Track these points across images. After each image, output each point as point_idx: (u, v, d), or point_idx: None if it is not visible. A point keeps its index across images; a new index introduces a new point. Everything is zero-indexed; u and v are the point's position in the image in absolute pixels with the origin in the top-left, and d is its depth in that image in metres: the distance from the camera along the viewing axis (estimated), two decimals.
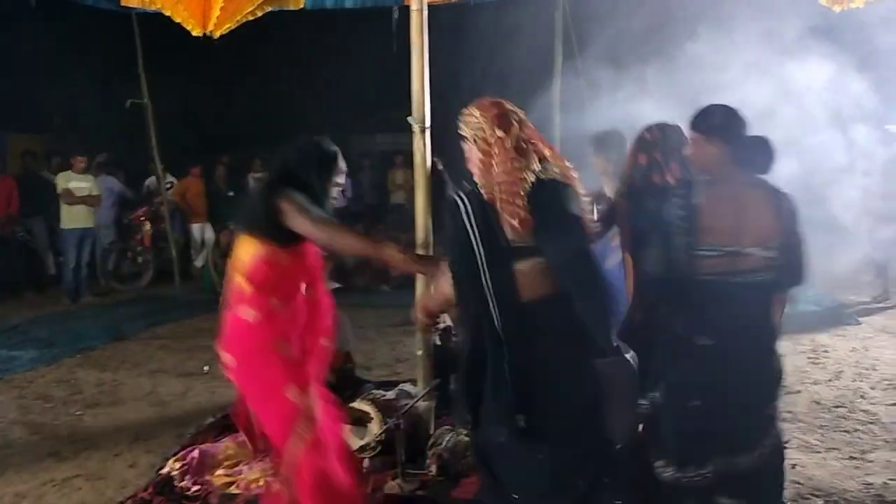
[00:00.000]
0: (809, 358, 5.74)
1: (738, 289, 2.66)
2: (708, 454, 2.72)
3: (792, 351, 5.89)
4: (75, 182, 8.55)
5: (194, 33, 5.21)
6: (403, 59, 3.57)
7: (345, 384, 4.29)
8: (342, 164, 3.01)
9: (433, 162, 3.62)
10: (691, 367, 2.73)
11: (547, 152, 2.34)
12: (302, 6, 5.81)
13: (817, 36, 5.30)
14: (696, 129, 2.80)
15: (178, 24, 5.31)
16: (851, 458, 3.91)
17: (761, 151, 2.75)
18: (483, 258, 2.21)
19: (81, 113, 11.85)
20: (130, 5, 6.09)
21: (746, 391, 2.71)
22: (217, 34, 5.27)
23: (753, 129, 2.79)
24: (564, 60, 6.78)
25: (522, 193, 2.21)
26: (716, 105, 2.80)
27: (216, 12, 5.06)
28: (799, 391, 4.94)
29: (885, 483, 3.60)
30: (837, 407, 4.65)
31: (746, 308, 2.68)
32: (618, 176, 3.60)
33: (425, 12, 3.48)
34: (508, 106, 2.35)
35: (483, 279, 2.21)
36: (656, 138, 3.23)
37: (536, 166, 2.26)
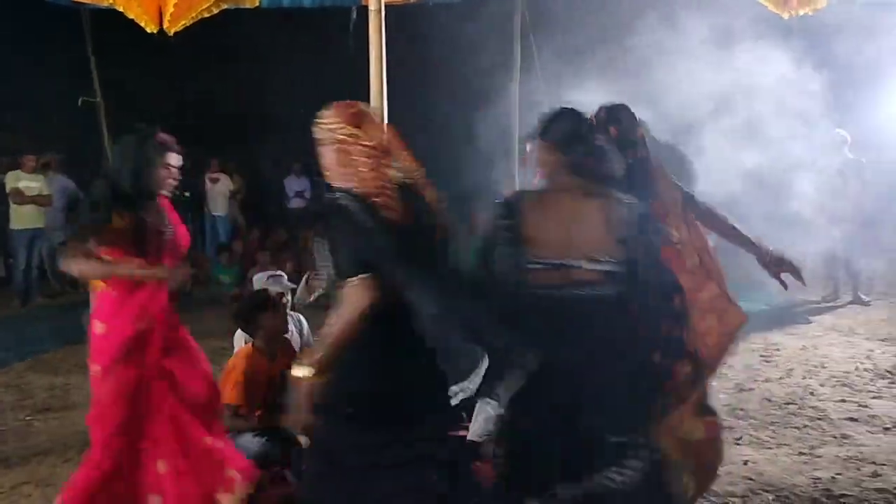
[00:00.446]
0: (761, 356, 5.88)
1: (572, 303, 2.46)
2: (546, 481, 2.46)
3: (744, 349, 6.01)
4: (25, 181, 8.34)
5: (148, 30, 5.10)
6: (363, 59, 3.56)
7: None
8: (160, 148, 3.03)
9: None
10: (522, 387, 2.46)
11: (403, 155, 2.41)
12: (258, 4, 5.73)
13: (774, 38, 5.42)
14: (539, 135, 2.67)
15: (132, 20, 5.21)
16: (801, 453, 4.01)
17: (602, 162, 2.58)
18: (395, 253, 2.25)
19: (31, 111, 11.56)
20: (82, 1, 5.96)
21: (588, 413, 2.43)
22: (171, 31, 5.18)
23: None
24: (523, 60, 6.82)
25: (391, 188, 2.30)
26: (561, 110, 2.67)
27: (170, 9, 4.96)
28: (751, 389, 5.05)
29: (833, 478, 3.70)
30: (788, 404, 4.76)
31: (582, 324, 2.45)
32: None
33: (383, 13, 3.48)
34: (364, 107, 2.42)
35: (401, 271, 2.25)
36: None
37: (400, 165, 2.37)
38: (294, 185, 11.44)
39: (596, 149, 2.60)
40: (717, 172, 3.84)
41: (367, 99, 3.52)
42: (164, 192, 3.10)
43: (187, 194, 10.00)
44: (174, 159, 3.07)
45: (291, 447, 3.67)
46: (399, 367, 2.35)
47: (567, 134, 2.59)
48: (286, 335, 4.02)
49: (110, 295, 2.97)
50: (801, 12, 5.00)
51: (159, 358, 3.01)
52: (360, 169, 2.30)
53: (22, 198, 8.29)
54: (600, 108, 3.03)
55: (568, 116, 2.63)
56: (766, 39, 5.32)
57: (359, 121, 2.35)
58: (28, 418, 4.76)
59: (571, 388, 2.42)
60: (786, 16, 5.03)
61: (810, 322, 7.01)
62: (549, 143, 2.61)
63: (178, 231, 3.18)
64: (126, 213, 2.92)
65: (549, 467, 2.44)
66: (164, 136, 3.06)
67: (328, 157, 2.37)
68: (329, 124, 2.36)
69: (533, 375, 2.39)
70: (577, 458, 2.44)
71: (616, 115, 3.02)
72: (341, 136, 2.33)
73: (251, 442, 3.59)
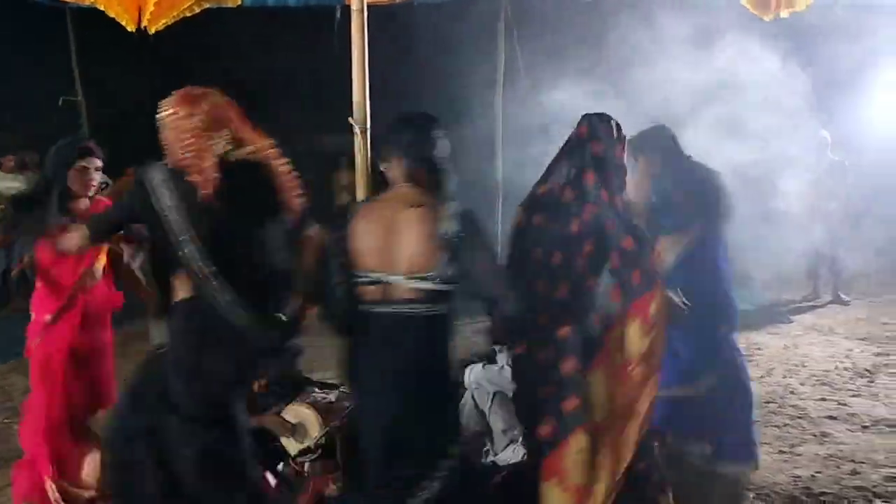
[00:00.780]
0: (743, 355, 5.90)
1: (390, 321, 2.40)
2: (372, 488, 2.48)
3: None
4: (5, 182, 8.24)
5: (129, 28, 5.06)
6: (347, 59, 3.54)
7: (289, 385, 4.24)
8: (82, 150, 3.33)
9: (374, 163, 3.61)
10: (359, 403, 2.58)
11: (247, 135, 2.62)
12: (240, 3, 5.70)
13: (756, 40, 5.46)
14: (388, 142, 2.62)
15: (113, 18, 5.16)
16: (781, 451, 4.05)
17: (433, 170, 2.48)
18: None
19: (11, 110, 11.43)
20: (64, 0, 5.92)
21: (402, 444, 2.42)
22: (152, 29, 5.13)
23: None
24: (507, 59, 6.83)
25: (210, 164, 2.51)
26: (406, 116, 2.58)
27: (150, 7, 4.93)
28: None
29: (813, 476, 3.74)
30: (768, 403, 4.80)
31: (397, 343, 2.39)
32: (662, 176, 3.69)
33: (365, 12, 3.47)
34: (199, 91, 2.61)
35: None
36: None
37: (226, 145, 2.58)
38: None
39: (436, 157, 2.49)
40: None
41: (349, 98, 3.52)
42: (85, 195, 3.34)
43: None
44: (93, 164, 3.34)
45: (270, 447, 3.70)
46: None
47: (403, 140, 2.50)
48: None
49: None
50: (783, 14, 5.03)
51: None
52: (179, 146, 2.53)
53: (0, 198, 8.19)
54: (583, 119, 2.85)
55: (409, 123, 2.54)
56: (747, 41, 5.37)
57: (187, 102, 2.57)
58: (7, 421, 4.71)
59: (384, 404, 2.42)
60: (767, 18, 5.07)
61: (791, 322, 7.06)
62: (391, 150, 2.54)
63: None
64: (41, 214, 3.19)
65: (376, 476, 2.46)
66: (88, 143, 3.41)
67: (162, 138, 2.61)
68: (161, 108, 2.60)
69: (360, 388, 2.51)
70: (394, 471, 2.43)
71: (595, 132, 2.79)
72: (165, 117, 2.58)
73: None
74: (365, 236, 2.42)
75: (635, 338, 2.55)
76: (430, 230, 2.35)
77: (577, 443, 2.50)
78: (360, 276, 2.42)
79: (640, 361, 2.53)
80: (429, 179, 2.49)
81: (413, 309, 2.37)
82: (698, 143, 3.99)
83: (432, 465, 2.42)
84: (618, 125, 2.82)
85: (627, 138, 2.91)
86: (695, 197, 3.63)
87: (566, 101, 4.92)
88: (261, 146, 2.65)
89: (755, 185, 7.07)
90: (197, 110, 2.54)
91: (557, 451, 2.52)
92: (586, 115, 2.83)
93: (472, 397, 3.98)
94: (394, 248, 2.38)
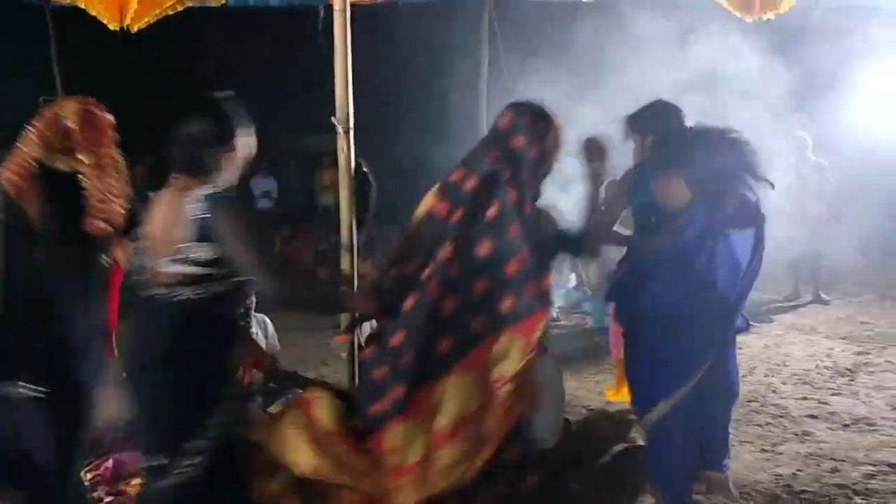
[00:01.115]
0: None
1: (151, 306, 2.43)
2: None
3: None
4: None
5: (111, 27, 5.02)
6: (331, 59, 3.53)
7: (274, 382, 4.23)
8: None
9: (357, 163, 3.59)
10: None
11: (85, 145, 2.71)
12: (223, 2, 5.68)
13: (737, 40, 5.50)
14: None
15: (95, 17, 5.12)
16: (763, 450, 4.08)
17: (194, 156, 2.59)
18: None
19: None
20: None
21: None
22: (135, 28, 5.09)
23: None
24: (491, 59, 6.84)
25: (25, 180, 2.56)
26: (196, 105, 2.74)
27: (133, 5, 4.89)
28: None
29: (794, 474, 3.77)
30: (750, 401, 4.83)
31: (159, 327, 2.42)
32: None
33: (348, 12, 3.45)
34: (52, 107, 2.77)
35: None
36: None
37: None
38: (261, 185, 11.34)
39: (194, 147, 2.59)
40: None
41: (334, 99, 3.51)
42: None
43: (151, 194, 9.84)
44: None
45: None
46: None
47: (181, 134, 2.64)
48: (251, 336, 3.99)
49: None
50: (765, 17, 5.07)
51: None
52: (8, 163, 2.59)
53: None
54: (508, 107, 2.71)
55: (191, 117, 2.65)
56: (729, 41, 5.41)
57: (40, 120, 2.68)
58: None
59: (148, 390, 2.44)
60: (749, 19, 5.10)
61: (772, 321, 7.11)
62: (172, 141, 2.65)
63: None
64: None
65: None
66: None
67: None
68: None
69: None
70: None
71: (518, 124, 2.63)
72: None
73: None
74: (147, 226, 2.53)
75: (515, 355, 2.41)
76: (189, 214, 2.38)
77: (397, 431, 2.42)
78: (146, 264, 2.48)
79: (510, 380, 2.39)
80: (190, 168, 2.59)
81: (174, 293, 2.38)
82: None
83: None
84: (546, 118, 2.63)
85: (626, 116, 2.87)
86: (695, 186, 3.21)
87: (549, 100, 4.96)
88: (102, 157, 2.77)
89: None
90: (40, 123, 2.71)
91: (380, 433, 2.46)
92: (513, 103, 2.68)
93: None
94: (159, 234, 2.45)
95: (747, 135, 3.23)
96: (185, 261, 2.36)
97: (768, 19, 5.08)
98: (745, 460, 3.92)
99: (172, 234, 2.38)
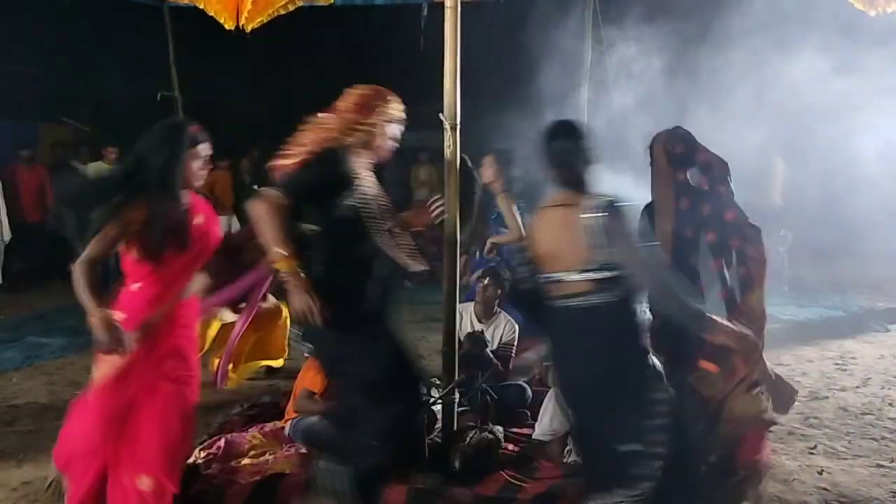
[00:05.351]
0: (836, 364, 5.69)
1: (575, 313, 2.63)
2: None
3: (819, 357, 5.85)
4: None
5: (227, 26, 5.23)
6: (429, 55, 3.57)
7: None
8: (195, 136, 2.87)
9: (462, 159, 3.62)
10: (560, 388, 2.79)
11: None
12: (332, 2, 5.83)
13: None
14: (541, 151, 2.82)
15: (210, 16, 5.34)
16: (879, 465, 3.87)
17: (579, 172, 2.71)
18: None
19: (111, 105, 11.99)
20: None
21: (595, 421, 2.67)
22: (249, 27, 5.29)
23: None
24: (594, 60, 6.73)
25: None
26: (553, 124, 2.79)
27: (248, 6, 5.08)
28: (826, 397, 4.90)
29: None
30: (865, 414, 4.60)
31: (583, 333, 2.64)
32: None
33: (459, 9, 3.48)
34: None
35: None
36: None
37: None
38: None
39: (582, 161, 2.70)
40: None
41: (432, 95, 3.55)
42: (193, 187, 2.92)
43: (256, 187, 10.21)
44: (204, 150, 2.92)
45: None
46: None
47: (551, 151, 2.74)
48: None
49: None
50: (889, 10, 4.78)
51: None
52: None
53: None
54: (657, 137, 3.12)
55: (557, 131, 2.76)
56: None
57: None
58: None
59: (576, 394, 2.68)
60: (872, 13, 4.83)
61: (888, 330, 6.74)
62: (545, 159, 2.76)
63: (207, 230, 2.97)
64: (142, 204, 2.72)
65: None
66: (195, 127, 2.91)
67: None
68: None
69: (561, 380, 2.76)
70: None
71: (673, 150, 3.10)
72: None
73: (317, 424, 3.74)
74: (539, 241, 2.72)
75: None
76: (584, 225, 2.58)
77: None
78: (545, 276, 2.69)
79: None
80: (577, 181, 2.72)
81: (593, 299, 2.60)
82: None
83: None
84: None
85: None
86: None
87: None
88: None
89: (839, 190, 6.82)
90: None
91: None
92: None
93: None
94: (561, 247, 2.65)
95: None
96: (590, 269, 2.58)
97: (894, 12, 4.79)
98: (859, 475, 3.74)
99: (575, 245, 2.59)
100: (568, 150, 2.72)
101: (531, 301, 2.80)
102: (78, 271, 2.64)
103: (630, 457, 2.57)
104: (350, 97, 2.95)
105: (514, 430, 4.05)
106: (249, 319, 4.09)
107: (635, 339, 2.66)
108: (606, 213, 2.56)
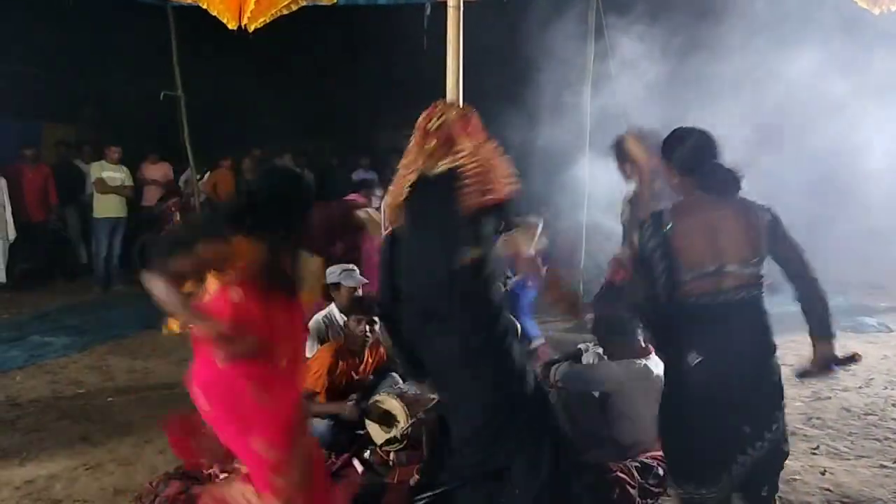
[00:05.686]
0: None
1: (725, 308, 2.68)
2: (718, 472, 2.73)
3: None
4: (108, 172, 8.66)
5: (230, 26, 5.24)
6: (433, 54, 3.58)
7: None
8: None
9: None
10: (684, 390, 2.74)
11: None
12: (335, 2, 5.84)
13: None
14: (663, 156, 2.85)
15: (213, 16, 5.35)
16: (882, 466, 3.87)
17: (725, 177, 2.73)
18: None
19: (114, 104, 12.00)
20: None
21: (740, 409, 2.71)
22: (251, 28, 5.30)
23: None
24: (597, 60, 6.73)
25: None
26: (681, 133, 2.80)
27: (251, 6, 5.09)
28: (829, 397, 4.89)
29: None
30: (868, 414, 4.59)
31: (735, 326, 2.68)
32: None
33: (461, 9, 3.49)
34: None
35: None
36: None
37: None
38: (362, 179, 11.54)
39: (716, 166, 2.74)
40: None
41: (438, 94, 3.55)
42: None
43: None
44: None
45: (356, 434, 3.81)
46: None
47: (688, 158, 2.76)
48: (369, 337, 4.14)
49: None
50: (894, 8, 4.77)
51: None
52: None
53: (105, 187, 8.60)
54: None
55: (686, 139, 2.78)
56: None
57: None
58: (110, 399, 4.95)
59: (728, 387, 2.66)
60: (876, 11, 4.82)
61: (891, 330, 6.73)
62: (672, 166, 2.81)
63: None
64: (262, 241, 2.49)
65: (705, 460, 2.73)
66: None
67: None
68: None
69: (693, 380, 2.69)
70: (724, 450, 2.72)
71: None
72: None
73: (321, 425, 3.80)
74: (690, 238, 2.71)
75: None
76: (747, 222, 2.68)
77: None
78: (690, 274, 2.69)
79: None
80: (717, 186, 2.74)
81: (745, 293, 2.69)
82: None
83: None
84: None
85: None
86: None
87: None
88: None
89: (848, 190, 6.80)
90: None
91: None
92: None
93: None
94: (720, 243, 2.68)
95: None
96: (748, 263, 2.67)
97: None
98: (862, 475, 3.73)
99: (745, 240, 2.67)
100: (704, 156, 2.75)
101: (655, 304, 2.80)
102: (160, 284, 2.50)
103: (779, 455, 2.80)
104: None
105: None
106: None
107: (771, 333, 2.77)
108: (769, 211, 2.69)
